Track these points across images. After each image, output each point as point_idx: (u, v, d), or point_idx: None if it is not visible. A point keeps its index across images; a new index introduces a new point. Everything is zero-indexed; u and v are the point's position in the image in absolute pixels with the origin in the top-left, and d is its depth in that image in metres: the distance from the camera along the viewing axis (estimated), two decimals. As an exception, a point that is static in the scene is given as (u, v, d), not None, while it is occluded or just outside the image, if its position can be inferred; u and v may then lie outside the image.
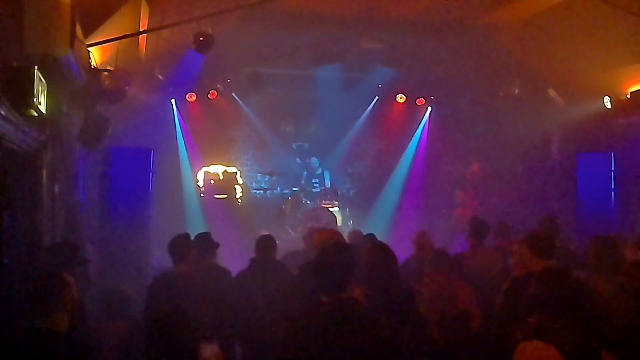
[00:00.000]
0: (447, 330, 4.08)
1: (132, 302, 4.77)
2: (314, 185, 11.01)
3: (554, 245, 4.21)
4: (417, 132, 11.73)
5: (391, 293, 3.55)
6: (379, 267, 3.66)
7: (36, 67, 3.95)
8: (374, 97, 11.49)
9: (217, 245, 4.96)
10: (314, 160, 11.12)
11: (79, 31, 4.69)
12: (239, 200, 10.48)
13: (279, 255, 5.05)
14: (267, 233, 5.22)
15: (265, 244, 4.89)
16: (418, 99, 11.31)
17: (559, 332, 2.89)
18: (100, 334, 4.31)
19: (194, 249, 4.78)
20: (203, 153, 10.82)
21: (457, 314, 4.20)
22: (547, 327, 2.94)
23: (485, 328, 4.29)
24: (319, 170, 11.14)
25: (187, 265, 4.64)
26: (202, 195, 10.49)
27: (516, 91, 9.21)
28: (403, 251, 5.33)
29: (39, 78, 4.02)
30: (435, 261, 4.45)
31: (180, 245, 4.68)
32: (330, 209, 10.36)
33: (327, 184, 11.07)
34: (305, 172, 11.13)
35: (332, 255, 3.15)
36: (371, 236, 5.50)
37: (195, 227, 7.26)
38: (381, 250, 3.81)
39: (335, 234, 4.44)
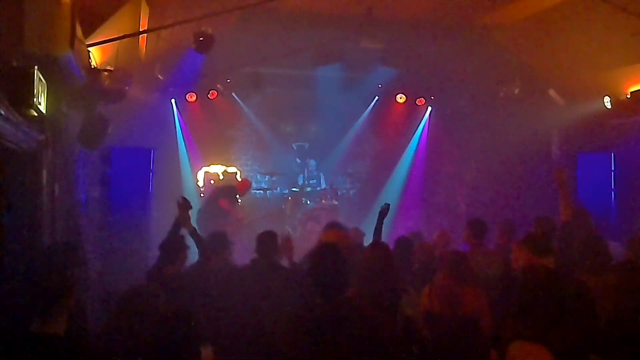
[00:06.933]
0: (457, 332, 4.06)
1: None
2: (312, 185, 11.02)
3: (549, 243, 4.22)
4: (417, 132, 11.72)
5: (383, 293, 3.53)
6: (376, 267, 3.65)
7: (36, 67, 3.95)
8: (374, 97, 11.47)
9: (228, 244, 4.99)
10: (312, 162, 11.14)
11: (79, 31, 4.68)
12: (239, 200, 10.47)
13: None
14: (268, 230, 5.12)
15: (266, 242, 4.82)
16: (418, 99, 11.31)
17: (549, 333, 2.87)
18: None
19: (206, 250, 4.82)
20: (203, 153, 10.82)
21: (467, 316, 4.16)
22: (536, 328, 2.90)
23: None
24: (315, 172, 11.16)
25: (175, 266, 4.64)
26: (202, 195, 10.49)
27: (516, 91, 9.19)
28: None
29: (39, 78, 4.02)
30: (449, 262, 4.40)
31: (171, 246, 4.68)
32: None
33: (322, 185, 11.07)
34: (302, 174, 11.14)
35: (325, 257, 3.11)
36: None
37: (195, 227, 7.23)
38: (380, 250, 3.80)
39: (342, 235, 4.38)
